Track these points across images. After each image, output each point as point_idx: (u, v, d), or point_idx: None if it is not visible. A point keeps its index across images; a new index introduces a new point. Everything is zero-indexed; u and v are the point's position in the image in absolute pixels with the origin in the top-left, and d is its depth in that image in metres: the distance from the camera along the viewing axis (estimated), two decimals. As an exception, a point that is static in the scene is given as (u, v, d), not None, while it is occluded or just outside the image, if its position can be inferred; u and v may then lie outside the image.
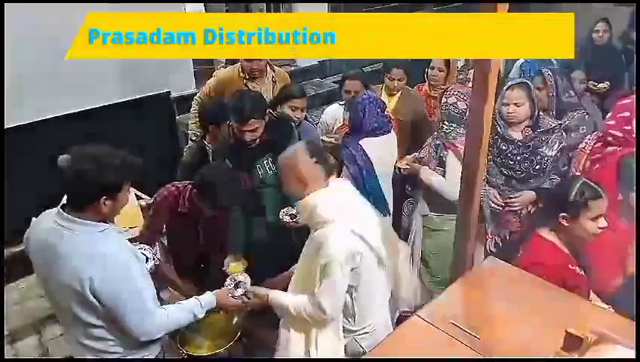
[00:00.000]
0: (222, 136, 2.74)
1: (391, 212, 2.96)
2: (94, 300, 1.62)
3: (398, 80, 3.30)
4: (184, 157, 2.98)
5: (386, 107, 2.92)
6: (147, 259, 2.16)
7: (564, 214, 1.98)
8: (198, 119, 3.12)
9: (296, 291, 1.96)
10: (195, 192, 2.21)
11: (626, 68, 4.50)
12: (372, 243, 1.89)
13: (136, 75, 3.65)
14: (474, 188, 1.87)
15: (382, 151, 2.79)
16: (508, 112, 2.64)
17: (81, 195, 1.65)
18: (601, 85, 4.20)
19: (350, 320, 2.02)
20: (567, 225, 1.99)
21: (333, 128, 3.31)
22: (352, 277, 1.87)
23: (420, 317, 1.73)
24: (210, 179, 2.16)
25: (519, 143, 2.66)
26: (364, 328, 2.03)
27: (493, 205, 2.74)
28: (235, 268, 2.32)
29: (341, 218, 1.84)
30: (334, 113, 3.38)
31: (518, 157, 2.66)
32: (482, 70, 1.68)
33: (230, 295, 2.06)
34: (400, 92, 3.35)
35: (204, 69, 4.24)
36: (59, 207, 1.68)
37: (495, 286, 1.89)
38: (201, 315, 1.92)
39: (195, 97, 3.35)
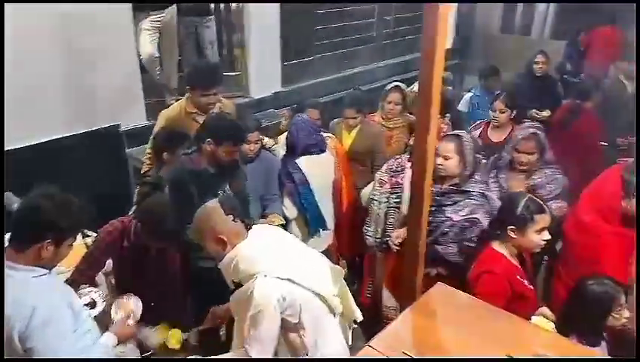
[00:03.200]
0: (178, 163, 2.70)
1: (330, 226, 3.09)
2: (19, 345, 1.56)
3: (353, 118, 3.39)
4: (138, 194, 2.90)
5: (319, 129, 3.17)
6: (95, 303, 2.09)
7: (512, 227, 2.10)
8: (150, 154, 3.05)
9: (236, 341, 1.93)
10: (139, 226, 2.17)
11: (564, 97, 4.76)
12: (303, 282, 1.84)
13: (86, 108, 3.58)
14: (421, 217, 1.92)
15: (317, 169, 2.99)
16: (436, 164, 2.34)
17: (27, 234, 1.61)
18: (543, 113, 4.43)
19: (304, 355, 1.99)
20: (515, 237, 2.11)
21: None
22: (291, 318, 1.83)
23: (371, 347, 1.74)
24: (153, 212, 2.13)
25: (434, 195, 2.42)
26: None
27: None
28: None
29: (264, 267, 1.80)
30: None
31: (432, 208, 2.31)
32: (425, 104, 1.76)
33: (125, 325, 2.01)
34: (358, 127, 3.43)
35: (155, 102, 4.20)
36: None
37: (444, 313, 1.92)
38: (112, 355, 1.88)
39: (150, 138, 3.23)
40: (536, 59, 4.78)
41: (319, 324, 1.91)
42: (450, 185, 2.50)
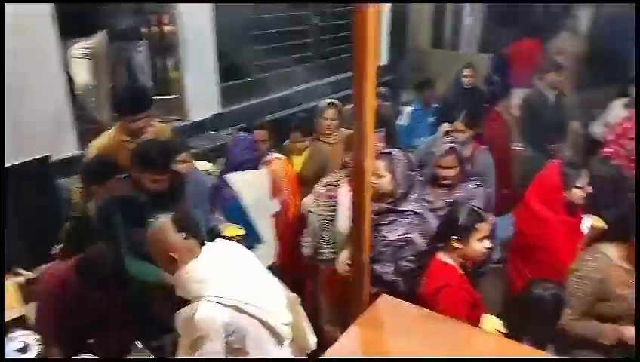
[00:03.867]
0: (107, 194, 2.61)
1: (262, 240, 3.12)
2: None
3: (300, 141, 3.41)
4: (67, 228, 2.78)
5: (256, 146, 3.26)
6: (26, 347, 1.97)
7: (456, 237, 2.19)
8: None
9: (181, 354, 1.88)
10: (77, 278, 2.12)
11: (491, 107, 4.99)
12: (251, 309, 1.83)
13: (13, 139, 3.41)
14: (362, 231, 1.95)
15: (250, 184, 3.08)
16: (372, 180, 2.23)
17: None
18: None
19: None
20: (460, 247, 2.19)
21: None
22: (235, 344, 1.80)
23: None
24: (92, 264, 2.10)
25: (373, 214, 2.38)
26: None
27: None
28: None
29: (212, 291, 1.78)
30: None
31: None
32: (360, 119, 1.79)
33: None
34: (307, 149, 3.45)
35: (87, 129, 4.06)
36: None
37: (391, 324, 1.96)
38: None
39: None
40: (464, 73, 5.00)
41: (264, 352, 1.89)
42: (388, 203, 2.48)
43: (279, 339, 1.94)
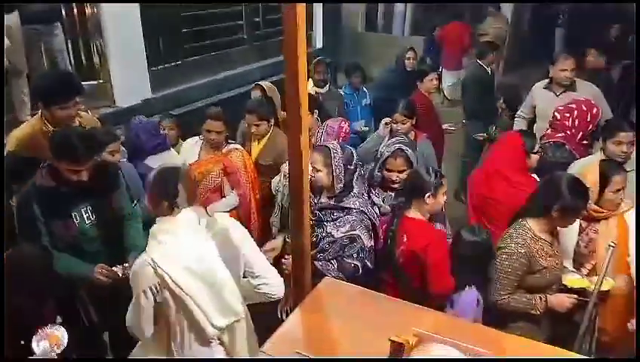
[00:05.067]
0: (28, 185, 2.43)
1: None
2: None
3: (255, 125, 3.26)
4: None
5: (158, 128, 3.26)
6: None
7: (429, 193, 2.39)
8: None
9: None
10: (7, 279, 1.96)
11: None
12: (175, 289, 1.87)
13: None
14: (302, 215, 1.93)
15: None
16: (310, 175, 2.22)
17: None
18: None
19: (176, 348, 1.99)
20: (430, 202, 2.41)
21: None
22: (163, 311, 1.92)
23: (263, 352, 1.72)
24: (20, 265, 1.98)
25: (314, 209, 2.40)
26: None
27: None
28: None
29: (154, 252, 1.86)
30: (191, 147, 3.29)
31: (312, 223, 2.31)
32: (293, 104, 1.76)
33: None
34: (267, 136, 3.30)
35: (10, 119, 3.77)
36: None
37: (334, 306, 1.96)
38: None
39: None
40: (407, 55, 5.10)
41: (185, 339, 1.98)
42: (329, 197, 2.44)
43: (202, 336, 1.97)
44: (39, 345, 1.90)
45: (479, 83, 4.77)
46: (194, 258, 1.90)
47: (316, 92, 4.40)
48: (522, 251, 2.29)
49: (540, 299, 2.31)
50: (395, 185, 2.72)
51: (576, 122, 3.23)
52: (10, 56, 3.65)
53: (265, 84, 3.72)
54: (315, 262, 2.38)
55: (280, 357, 1.67)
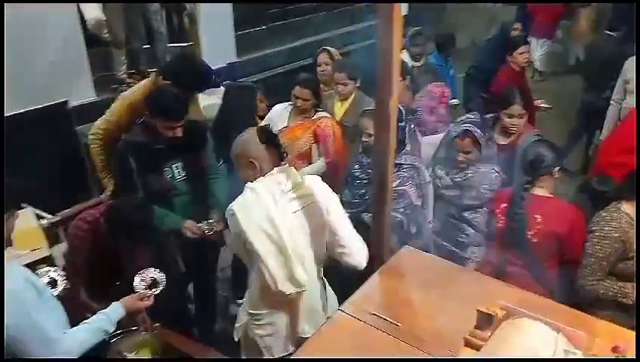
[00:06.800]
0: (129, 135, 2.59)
1: None
2: None
3: (342, 84, 3.26)
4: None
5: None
6: (55, 281, 2.01)
7: (559, 167, 2.34)
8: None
9: None
10: (107, 228, 2.13)
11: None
12: (250, 236, 1.88)
13: (31, 85, 3.38)
14: (386, 181, 1.92)
15: None
16: (362, 139, 2.58)
17: None
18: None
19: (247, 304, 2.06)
20: (556, 177, 2.35)
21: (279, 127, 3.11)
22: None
23: (342, 311, 1.76)
24: (118, 216, 2.10)
25: (366, 168, 2.56)
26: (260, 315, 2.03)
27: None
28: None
29: (241, 202, 1.89)
30: (281, 113, 3.23)
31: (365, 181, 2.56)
32: (386, 67, 1.74)
33: (141, 297, 1.99)
34: (352, 96, 3.30)
35: (102, 77, 4.02)
36: None
37: (412, 274, 1.96)
38: (112, 329, 1.83)
39: (98, 128, 2.83)
40: (514, 26, 4.92)
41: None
42: None
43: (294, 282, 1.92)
44: (141, 283, 2.06)
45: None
46: (270, 223, 1.88)
47: (412, 65, 4.28)
48: (616, 235, 2.14)
49: (633, 287, 2.17)
50: (462, 166, 2.57)
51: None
52: (109, 8, 3.85)
53: (330, 49, 3.70)
54: (362, 214, 2.47)
55: (356, 316, 1.70)
